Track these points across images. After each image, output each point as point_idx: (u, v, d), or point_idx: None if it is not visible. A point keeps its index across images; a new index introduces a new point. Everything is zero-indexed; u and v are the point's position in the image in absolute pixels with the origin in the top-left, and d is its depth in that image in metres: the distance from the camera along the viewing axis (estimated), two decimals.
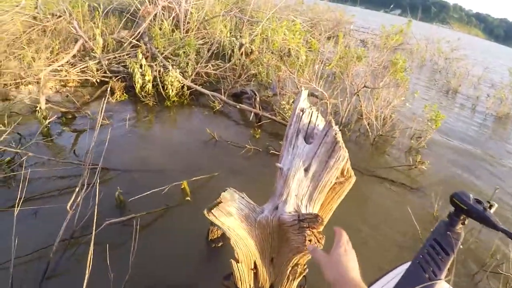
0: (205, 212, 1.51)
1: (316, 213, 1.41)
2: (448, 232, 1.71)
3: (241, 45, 8.10)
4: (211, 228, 3.15)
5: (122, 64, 7.14)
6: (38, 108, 4.97)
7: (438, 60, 16.01)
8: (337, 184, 1.57)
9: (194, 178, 4.04)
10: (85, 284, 2.23)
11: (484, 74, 14.83)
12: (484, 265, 3.78)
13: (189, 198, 3.89)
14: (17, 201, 2.76)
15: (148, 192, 3.71)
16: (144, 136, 5.35)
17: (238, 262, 1.72)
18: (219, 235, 3.17)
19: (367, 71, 6.78)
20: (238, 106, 6.21)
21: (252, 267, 1.79)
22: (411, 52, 17.32)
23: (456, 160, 6.24)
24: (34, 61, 6.30)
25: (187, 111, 6.36)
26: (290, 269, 1.66)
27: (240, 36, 9.00)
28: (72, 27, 7.07)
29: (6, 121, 4.64)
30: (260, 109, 6.11)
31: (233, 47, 8.45)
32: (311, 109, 1.71)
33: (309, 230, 1.41)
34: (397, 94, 6.35)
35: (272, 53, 7.95)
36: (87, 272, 2.24)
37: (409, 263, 1.73)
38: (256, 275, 1.83)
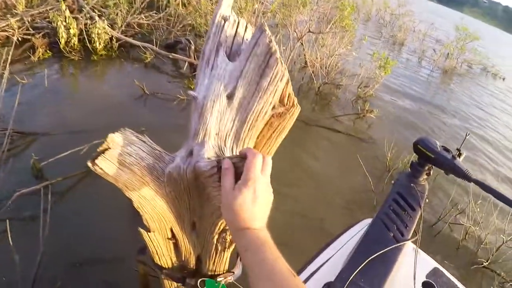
0: (89, 163, 1.04)
1: (243, 153, 0.98)
2: (412, 185, 1.70)
3: None
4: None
5: (47, 20, 6.39)
6: None
7: (384, 15, 16.18)
8: (274, 117, 1.12)
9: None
10: None
11: (430, 31, 15.25)
12: (444, 215, 3.69)
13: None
14: None
15: (65, 154, 3.22)
16: (66, 94, 4.84)
17: (149, 232, 1.29)
18: None
19: (312, 16, 6.42)
20: (171, 56, 5.85)
21: (169, 236, 1.36)
22: (356, 5, 17.33)
23: (405, 109, 6.19)
24: None
25: (116, 64, 5.83)
26: (217, 236, 1.24)
27: None
28: None
29: None
30: (195, 58, 5.69)
31: None
32: (238, 18, 1.25)
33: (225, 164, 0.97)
34: (343, 42, 6.08)
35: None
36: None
37: (369, 220, 1.66)
38: (176, 245, 1.40)
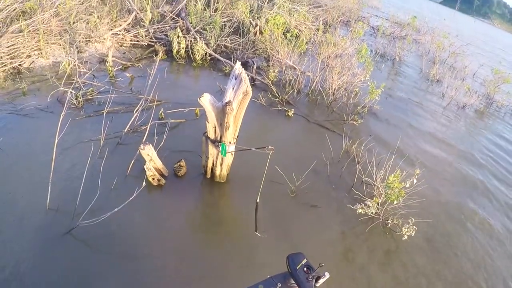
0: (199, 99, 4.25)
1: (228, 101, 4.12)
2: (278, 283, 2.14)
3: (256, 25, 10.73)
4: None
5: (164, 33, 9.89)
6: (107, 59, 7.84)
7: (436, 52, 17.09)
8: (242, 96, 4.26)
9: (201, 108, 6.77)
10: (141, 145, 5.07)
11: (472, 68, 16.00)
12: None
13: (198, 117, 6.77)
14: (105, 108, 5.69)
15: (175, 110, 6.56)
16: (176, 83, 8.20)
17: (208, 122, 4.48)
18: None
19: (335, 54, 9.36)
20: None
21: (213, 126, 4.54)
22: (418, 43, 19.16)
23: (383, 127, 8.60)
24: (98, 26, 9.07)
25: (207, 71, 9.22)
26: (225, 125, 4.39)
27: (258, 18, 11.58)
28: (127, 0, 9.87)
29: (82, 67, 7.49)
30: (255, 74, 8.78)
31: (249, 26, 11.05)
32: (240, 68, 4.42)
33: (228, 107, 4.12)
34: (357, 73, 8.88)
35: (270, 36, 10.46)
36: (143, 140, 5.13)
37: None
38: (215, 130, 4.59)
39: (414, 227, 4.92)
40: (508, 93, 13.84)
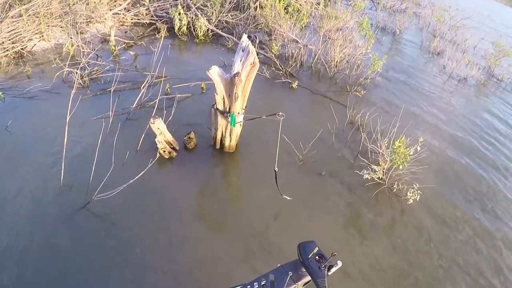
0: (207, 72, 4.34)
1: (236, 72, 4.22)
2: (289, 272, 2.15)
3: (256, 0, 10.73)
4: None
5: (165, 11, 9.89)
6: (110, 39, 7.89)
7: (436, 25, 16.88)
8: (250, 68, 4.34)
9: (208, 82, 6.88)
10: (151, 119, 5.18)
11: (473, 41, 15.98)
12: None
13: (204, 91, 6.85)
14: (112, 86, 5.80)
15: (181, 85, 6.66)
16: (179, 59, 8.27)
17: (217, 94, 4.59)
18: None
19: (337, 27, 9.40)
20: None
21: (222, 98, 4.65)
22: (418, 16, 18.99)
23: (388, 93, 8.73)
24: (98, 6, 9.07)
25: (209, 46, 9.27)
26: (234, 96, 4.50)
27: None
28: None
29: (85, 47, 7.54)
30: (258, 48, 8.83)
31: (250, 1, 11.02)
32: (247, 40, 4.49)
33: (237, 78, 4.22)
34: (358, 46, 8.94)
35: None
36: (152, 114, 5.25)
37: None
38: (223, 101, 4.70)
39: (418, 191, 5.08)
40: (508, 66, 13.83)
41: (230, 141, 5.33)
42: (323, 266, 2.01)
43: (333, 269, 2.10)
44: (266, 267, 2.29)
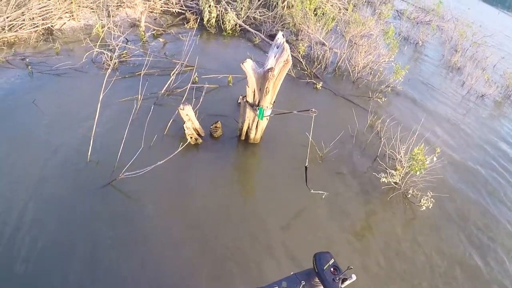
0: (241, 64, 4.53)
1: (270, 67, 4.40)
2: (302, 281, 2.18)
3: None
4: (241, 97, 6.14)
5: (195, 2, 10.09)
6: (139, 24, 8.11)
7: (458, 40, 16.92)
8: (283, 64, 4.53)
9: (235, 75, 7.05)
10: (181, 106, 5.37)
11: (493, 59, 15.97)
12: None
13: (231, 84, 7.03)
14: (142, 70, 6.02)
15: (210, 76, 6.86)
16: (206, 50, 8.47)
17: (248, 87, 4.77)
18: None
19: (362, 34, 9.55)
20: (270, 43, 9.12)
21: (253, 91, 4.84)
22: (441, 30, 18.98)
23: (408, 100, 8.85)
24: None
25: (236, 41, 9.49)
26: (265, 90, 4.68)
27: None
28: None
29: (116, 30, 7.73)
30: None
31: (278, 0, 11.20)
32: (283, 38, 4.68)
33: (270, 73, 4.40)
34: (382, 54, 9.07)
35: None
36: (182, 101, 5.44)
37: None
38: (254, 94, 4.88)
39: (432, 199, 5.24)
40: None
41: (255, 134, 5.53)
42: (337, 278, 2.05)
43: (347, 282, 2.14)
44: (275, 268, 2.38)
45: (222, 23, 9.58)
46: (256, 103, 4.98)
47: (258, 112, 4.96)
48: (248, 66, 4.62)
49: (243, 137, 5.66)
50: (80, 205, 4.17)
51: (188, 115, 5.12)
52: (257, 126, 5.40)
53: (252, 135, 5.55)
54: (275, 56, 4.64)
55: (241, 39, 9.65)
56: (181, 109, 5.04)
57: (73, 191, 4.31)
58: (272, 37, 9.84)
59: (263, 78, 4.62)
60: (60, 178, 4.41)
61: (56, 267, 3.55)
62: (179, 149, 4.57)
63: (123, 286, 3.58)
